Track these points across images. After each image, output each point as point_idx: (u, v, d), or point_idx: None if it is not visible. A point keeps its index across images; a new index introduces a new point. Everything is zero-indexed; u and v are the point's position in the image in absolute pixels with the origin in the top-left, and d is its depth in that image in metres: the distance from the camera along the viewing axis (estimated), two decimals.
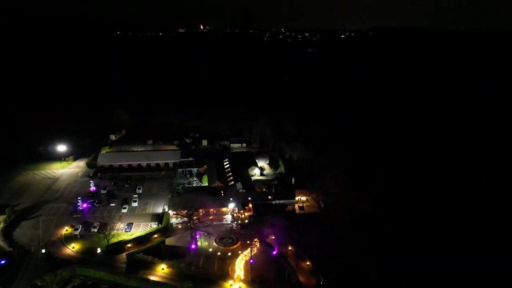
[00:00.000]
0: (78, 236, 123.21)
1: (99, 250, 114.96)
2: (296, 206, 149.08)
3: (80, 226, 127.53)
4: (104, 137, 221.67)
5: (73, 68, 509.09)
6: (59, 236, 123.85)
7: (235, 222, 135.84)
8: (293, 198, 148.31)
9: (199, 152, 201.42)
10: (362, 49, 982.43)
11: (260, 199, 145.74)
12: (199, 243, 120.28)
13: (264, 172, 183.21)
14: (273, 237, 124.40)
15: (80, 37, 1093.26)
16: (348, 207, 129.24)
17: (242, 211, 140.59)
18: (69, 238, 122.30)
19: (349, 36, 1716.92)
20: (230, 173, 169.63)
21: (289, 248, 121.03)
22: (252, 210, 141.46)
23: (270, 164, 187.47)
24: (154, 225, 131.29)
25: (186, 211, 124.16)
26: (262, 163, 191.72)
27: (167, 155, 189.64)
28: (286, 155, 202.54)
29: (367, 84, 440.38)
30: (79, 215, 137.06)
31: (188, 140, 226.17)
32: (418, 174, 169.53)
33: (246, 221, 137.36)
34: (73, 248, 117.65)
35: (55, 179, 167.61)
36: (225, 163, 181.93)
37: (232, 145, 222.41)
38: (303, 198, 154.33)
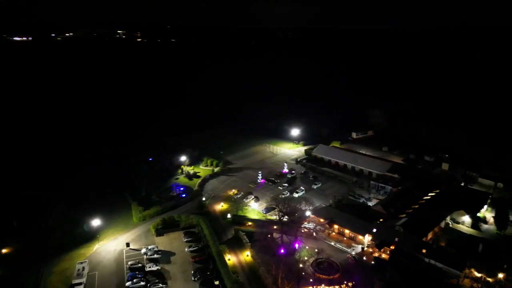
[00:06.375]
0: (232, 199, 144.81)
1: (228, 216, 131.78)
2: (467, 282, 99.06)
3: (241, 193, 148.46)
4: (347, 133, 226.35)
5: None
6: (226, 194, 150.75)
7: (356, 255, 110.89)
8: (459, 268, 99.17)
9: (417, 173, 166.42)
10: None
11: (411, 247, 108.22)
12: (297, 254, 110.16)
13: (483, 227, 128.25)
14: None
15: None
16: None
17: (375, 249, 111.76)
18: (228, 199, 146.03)
19: None
20: (416, 207, 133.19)
21: None
22: (389, 255, 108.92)
23: (495, 218, 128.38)
24: (285, 218, 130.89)
25: (279, 210, 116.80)
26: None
27: (374, 164, 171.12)
28: None
29: None
30: (254, 186, 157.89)
31: (428, 158, 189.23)
32: None
33: (372, 262, 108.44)
34: (221, 206, 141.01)
35: (274, 155, 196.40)
36: (429, 194, 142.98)
37: (481, 179, 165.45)
38: (490, 280, 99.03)
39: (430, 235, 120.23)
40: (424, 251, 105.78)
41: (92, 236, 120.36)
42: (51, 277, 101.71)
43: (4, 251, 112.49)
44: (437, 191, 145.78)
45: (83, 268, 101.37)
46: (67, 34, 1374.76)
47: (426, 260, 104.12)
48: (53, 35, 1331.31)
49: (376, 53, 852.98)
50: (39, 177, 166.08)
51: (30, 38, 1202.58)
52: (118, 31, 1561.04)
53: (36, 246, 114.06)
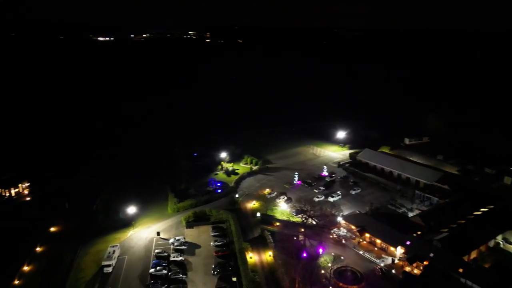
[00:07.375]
0: (265, 199, 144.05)
1: (258, 215, 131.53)
2: None
3: (275, 193, 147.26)
4: (400, 139, 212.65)
5: None
6: (259, 193, 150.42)
7: (384, 267, 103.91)
8: None
9: (471, 185, 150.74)
10: None
11: (447, 265, 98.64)
12: (319, 260, 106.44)
13: None
14: None
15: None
16: None
17: (406, 263, 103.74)
18: (260, 197, 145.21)
19: None
20: (462, 222, 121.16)
21: None
22: (422, 271, 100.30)
23: None
24: (314, 222, 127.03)
25: (305, 210, 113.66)
26: None
27: (423, 173, 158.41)
28: None
29: None
30: (289, 187, 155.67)
31: (489, 170, 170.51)
32: None
33: (400, 276, 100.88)
34: (253, 204, 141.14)
35: (316, 157, 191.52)
36: (481, 210, 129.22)
37: None
38: None
39: (474, 254, 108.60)
40: (461, 270, 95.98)
41: (128, 223, 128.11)
42: (86, 257, 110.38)
43: (52, 229, 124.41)
44: (491, 206, 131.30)
45: (114, 251, 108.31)
46: (144, 35, 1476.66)
47: (462, 280, 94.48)
48: (132, 36, 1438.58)
49: (435, 55, 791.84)
50: (96, 164, 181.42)
51: (112, 39, 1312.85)
52: (189, 32, 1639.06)
53: (79, 228, 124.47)
